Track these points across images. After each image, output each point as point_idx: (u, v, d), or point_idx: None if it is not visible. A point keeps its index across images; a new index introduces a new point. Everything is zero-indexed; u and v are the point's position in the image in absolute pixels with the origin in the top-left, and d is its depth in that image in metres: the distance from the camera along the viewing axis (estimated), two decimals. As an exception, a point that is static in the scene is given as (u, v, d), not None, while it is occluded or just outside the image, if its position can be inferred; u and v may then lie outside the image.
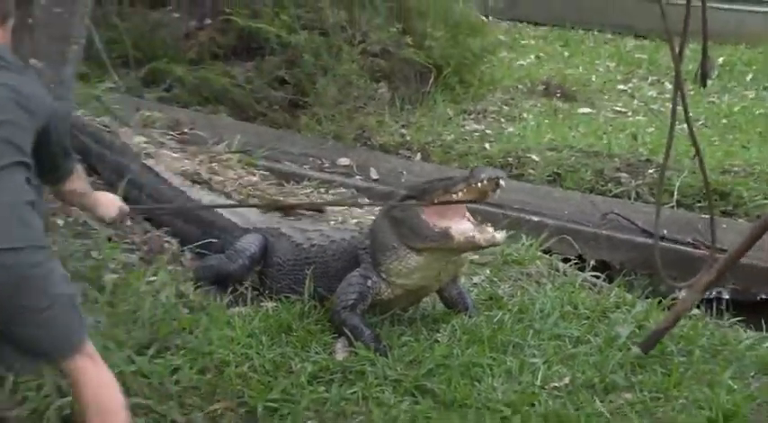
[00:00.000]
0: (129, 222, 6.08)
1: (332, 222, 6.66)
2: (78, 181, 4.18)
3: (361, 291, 4.86)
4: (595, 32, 13.98)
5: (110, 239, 5.68)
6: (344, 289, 4.87)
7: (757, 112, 10.73)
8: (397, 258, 4.74)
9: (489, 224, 4.81)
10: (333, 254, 5.27)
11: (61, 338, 3.48)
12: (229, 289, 5.36)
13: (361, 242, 5.14)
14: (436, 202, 4.77)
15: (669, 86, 11.02)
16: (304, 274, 5.30)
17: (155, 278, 5.25)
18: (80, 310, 3.64)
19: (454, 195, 4.76)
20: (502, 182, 4.64)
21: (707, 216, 7.34)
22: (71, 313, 3.53)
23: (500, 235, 4.74)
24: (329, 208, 6.87)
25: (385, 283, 4.81)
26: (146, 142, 7.22)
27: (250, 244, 5.59)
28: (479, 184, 4.66)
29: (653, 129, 9.64)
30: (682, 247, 6.89)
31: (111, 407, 3.55)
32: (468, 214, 4.88)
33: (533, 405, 4.40)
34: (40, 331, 3.50)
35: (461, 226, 4.72)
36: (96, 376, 3.47)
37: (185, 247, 5.80)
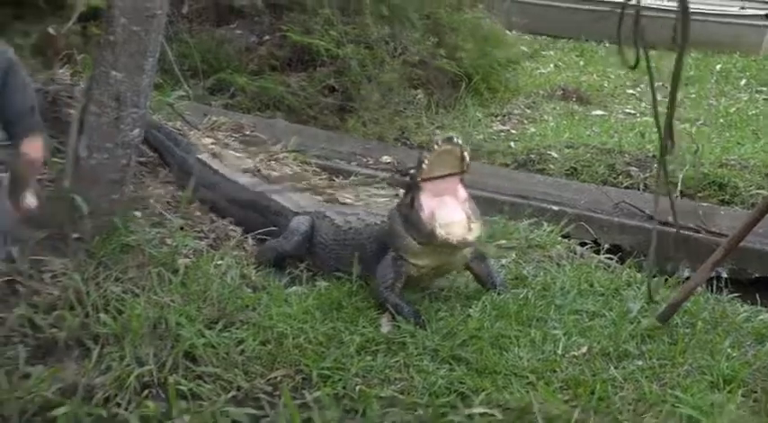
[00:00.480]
0: (197, 213, 6.22)
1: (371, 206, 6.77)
2: (32, 146, 4.38)
3: (396, 271, 5.01)
4: (607, 44, 14.40)
5: (182, 228, 5.85)
6: (382, 270, 5.02)
7: (750, 112, 11.26)
8: (408, 246, 4.92)
9: (474, 219, 4.92)
10: (368, 236, 5.41)
11: None
12: (287, 270, 5.50)
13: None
14: (421, 179, 4.86)
15: None
16: (343, 254, 5.47)
17: (221, 262, 5.41)
18: None
19: (425, 166, 4.83)
20: (456, 139, 4.74)
21: (707, 204, 7.78)
22: None
23: (471, 236, 4.86)
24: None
25: (407, 263, 4.96)
26: (212, 143, 7.42)
27: (300, 224, 5.77)
28: (438, 147, 4.78)
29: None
30: (684, 232, 6.89)
31: None
32: (464, 203, 4.96)
33: (555, 371, 4.56)
34: None
35: (447, 223, 4.85)
36: None
37: (248, 235, 5.87)
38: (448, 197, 4.98)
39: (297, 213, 5.98)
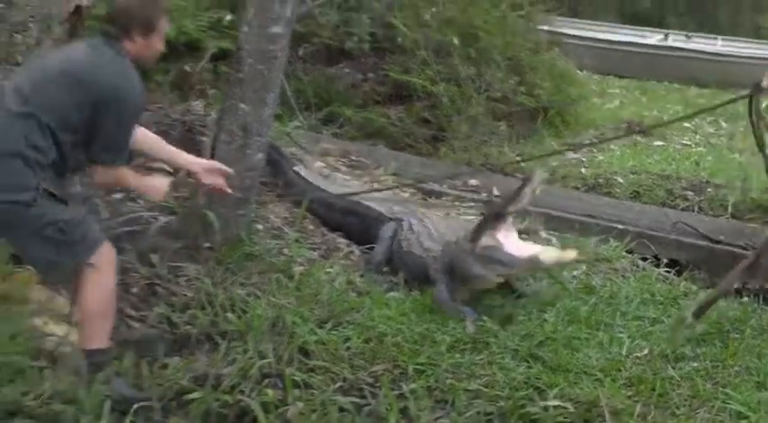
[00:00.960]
0: (311, 227, 6.39)
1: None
2: (100, 173, 4.28)
3: (452, 297, 5.19)
4: (666, 83, 14.61)
5: (297, 240, 6.04)
6: (439, 294, 5.22)
7: None
8: (484, 280, 5.09)
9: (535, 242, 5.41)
10: (443, 250, 5.51)
11: None
12: (386, 277, 5.67)
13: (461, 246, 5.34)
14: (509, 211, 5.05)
15: (724, 125, 11.69)
16: (423, 262, 5.58)
17: (331, 270, 5.60)
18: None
19: (521, 200, 5.04)
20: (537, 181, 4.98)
21: (754, 225, 7.67)
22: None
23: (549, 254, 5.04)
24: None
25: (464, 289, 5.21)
26: (324, 167, 7.57)
27: (385, 232, 5.98)
28: (536, 185, 5.00)
29: (711, 157, 10.14)
30: (736, 250, 7.04)
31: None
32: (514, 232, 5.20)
33: (620, 370, 4.74)
34: None
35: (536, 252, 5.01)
36: None
37: (354, 246, 6.01)
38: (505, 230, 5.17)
39: (390, 219, 6.09)
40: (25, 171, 3.94)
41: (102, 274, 4.18)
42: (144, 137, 4.52)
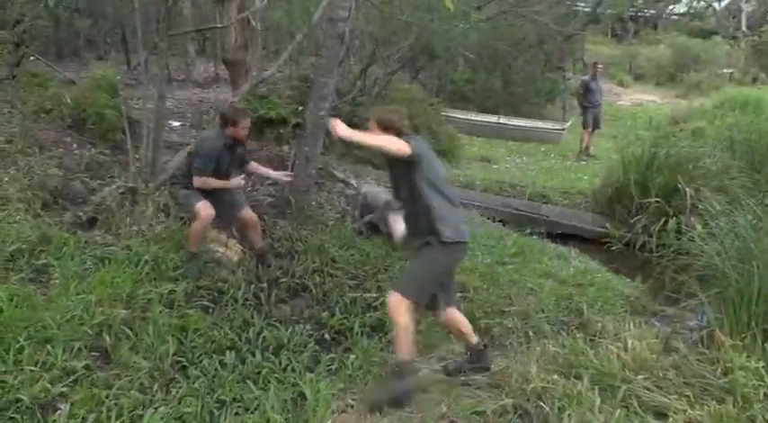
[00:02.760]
0: (336, 203, 7.03)
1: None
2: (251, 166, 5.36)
3: None
4: (498, 140, 14.57)
5: (330, 209, 6.85)
6: None
7: (556, 168, 11.73)
8: None
9: None
10: (381, 207, 6.09)
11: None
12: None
13: None
14: None
15: (525, 158, 12.66)
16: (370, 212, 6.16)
17: (346, 223, 6.43)
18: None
19: None
20: None
21: (537, 203, 8.70)
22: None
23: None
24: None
25: None
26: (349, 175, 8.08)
27: (360, 199, 6.57)
28: None
29: (518, 172, 10.93)
30: (529, 214, 8.42)
31: None
32: None
33: (477, 269, 5.69)
34: None
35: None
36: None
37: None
38: None
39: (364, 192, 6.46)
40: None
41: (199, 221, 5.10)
42: (254, 166, 5.56)
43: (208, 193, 5.10)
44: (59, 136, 7.18)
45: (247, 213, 5.45)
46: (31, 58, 9.35)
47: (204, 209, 5.02)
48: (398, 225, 4.32)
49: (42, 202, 5.73)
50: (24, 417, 3.35)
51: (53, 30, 11.93)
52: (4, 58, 8.23)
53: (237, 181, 5.22)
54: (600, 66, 13.59)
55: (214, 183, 5.06)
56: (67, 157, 6.73)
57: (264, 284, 5.13)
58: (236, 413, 3.57)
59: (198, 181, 5.02)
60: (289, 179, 5.75)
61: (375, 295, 5.15)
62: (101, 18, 13.82)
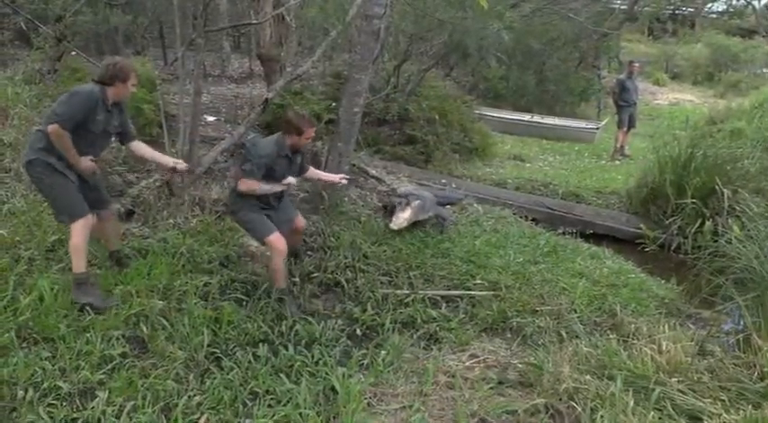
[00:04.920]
0: (368, 199, 7.08)
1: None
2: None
3: None
4: (531, 138, 14.07)
5: (362, 205, 6.93)
6: None
7: (590, 167, 11.45)
8: None
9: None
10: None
11: None
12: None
13: None
14: None
15: (558, 157, 12.47)
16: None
17: (377, 219, 6.49)
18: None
19: None
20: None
21: (571, 203, 8.68)
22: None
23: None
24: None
25: None
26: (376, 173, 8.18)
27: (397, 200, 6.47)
28: None
29: (551, 171, 10.76)
30: (562, 214, 8.30)
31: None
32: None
33: (509, 267, 5.72)
34: None
35: None
36: None
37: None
38: None
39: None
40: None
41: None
42: (313, 172, 5.31)
43: (261, 208, 4.82)
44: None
45: (300, 222, 5.33)
46: (72, 53, 9.38)
47: (278, 241, 4.71)
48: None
49: (82, 194, 5.74)
50: (64, 403, 3.42)
51: (93, 25, 11.96)
52: (46, 52, 8.25)
53: (285, 183, 4.90)
54: (636, 64, 13.35)
55: (260, 187, 4.71)
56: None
57: (297, 279, 5.19)
58: (269, 405, 3.61)
59: (244, 184, 4.67)
60: (346, 182, 5.47)
61: (406, 292, 5.19)
62: (140, 14, 13.89)
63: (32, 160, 4.11)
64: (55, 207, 4.23)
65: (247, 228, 4.88)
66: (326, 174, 5.46)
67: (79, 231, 4.12)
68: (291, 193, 5.95)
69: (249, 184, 4.66)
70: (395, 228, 5.97)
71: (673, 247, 6.95)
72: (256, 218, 4.74)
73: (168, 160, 4.66)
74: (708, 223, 6.62)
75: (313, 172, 5.23)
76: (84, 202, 4.21)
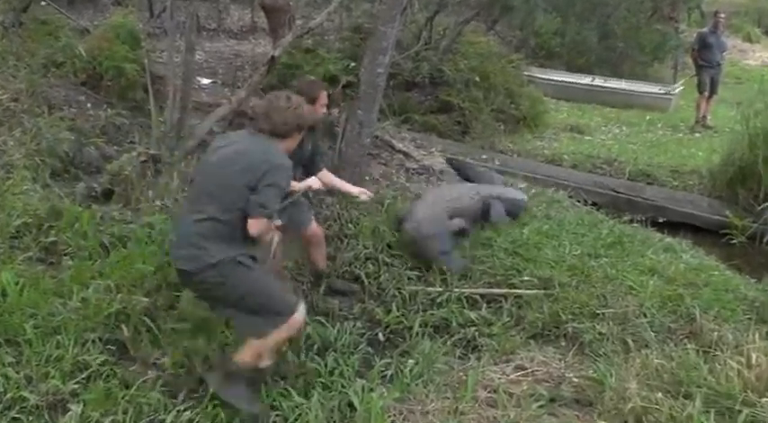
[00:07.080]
0: (395, 178, 7.24)
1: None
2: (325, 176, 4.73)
3: None
4: (592, 105, 14.67)
5: (387, 186, 6.99)
6: None
7: (663, 140, 11.80)
8: None
9: None
10: None
11: None
12: None
13: None
14: None
15: (624, 128, 12.70)
16: None
17: (403, 203, 6.53)
18: None
19: None
20: None
21: (641, 184, 8.99)
22: None
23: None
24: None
25: None
26: (403, 146, 8.45)
27: None
28: None
29: (616, 146, 11.05)
30: (630, 197, 8.55)
31: None
32: None
33: (564, 261, 5.73)
34: None
35: None
36: None
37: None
38: None
39: None
40: None
41: None
42: (328, 176, 4.99)
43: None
44: (72, 94, 7.27)
45: (312, 229, 5.15)
46: (41, 2, 9.48)
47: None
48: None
49: (52, 171, 5.82)
50: (30, 417, 3.42)
51: (66, -31, 12.07)
52: (10, 2, 8.28)
53: (307, 184, 4.46)
54: (722, 15, 13.15)
55: None
56: (81, 118, 6.81)
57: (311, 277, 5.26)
58: (274, 422, 3.59)
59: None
60: (368, 198, 5.21)
61: (439, 289, 5.21)
62: (120, -44, 13.96)
63: None
64: None
65: None
66: (343, 182, 5.13)
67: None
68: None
69: None
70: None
71: (766, 240, 6.95)
72: None
73: (353, 190, 4.94)
74: (810, 211, 6.38)
75: (327, 176, 4.92)
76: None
